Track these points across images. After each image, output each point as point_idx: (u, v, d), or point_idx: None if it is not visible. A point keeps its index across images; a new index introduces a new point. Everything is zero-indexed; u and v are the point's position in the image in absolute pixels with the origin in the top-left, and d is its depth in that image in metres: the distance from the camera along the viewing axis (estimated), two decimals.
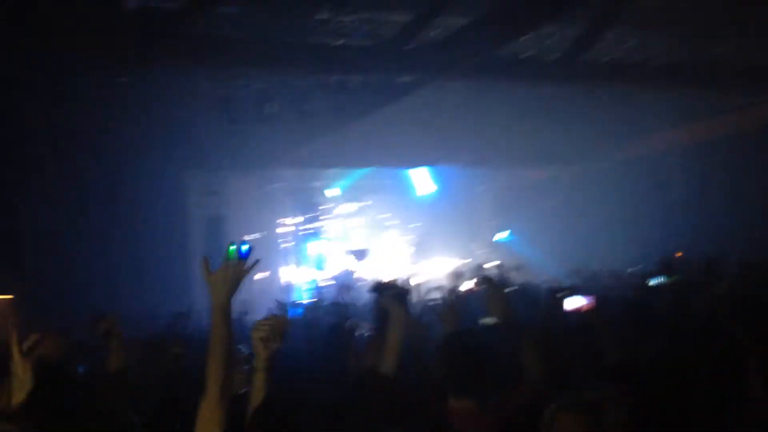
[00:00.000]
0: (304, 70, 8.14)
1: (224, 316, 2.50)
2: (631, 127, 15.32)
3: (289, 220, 17.01)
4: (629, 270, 10.25)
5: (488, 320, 3.52)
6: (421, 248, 17.31)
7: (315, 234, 16.56)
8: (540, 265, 15.58)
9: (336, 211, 18.29)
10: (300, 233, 16.77)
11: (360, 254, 16.36)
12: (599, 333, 3.42)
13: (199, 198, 13.30)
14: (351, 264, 16.70)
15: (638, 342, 3.42)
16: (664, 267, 5.81)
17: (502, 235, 18.54)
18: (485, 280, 3.39)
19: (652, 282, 5.75)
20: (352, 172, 17.74)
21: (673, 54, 10.93)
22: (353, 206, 18.79)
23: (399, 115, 12.24)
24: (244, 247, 2.66)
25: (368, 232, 19.35)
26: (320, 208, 17.05)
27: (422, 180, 18.53)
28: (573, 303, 3.45)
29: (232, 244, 2.69)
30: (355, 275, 16.38)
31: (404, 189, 18.91)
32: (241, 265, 2.58)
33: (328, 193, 17.85)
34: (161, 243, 12.44)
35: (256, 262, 2.67)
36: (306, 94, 9.80)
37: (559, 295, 4.29)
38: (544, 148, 15.32)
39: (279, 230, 17.17)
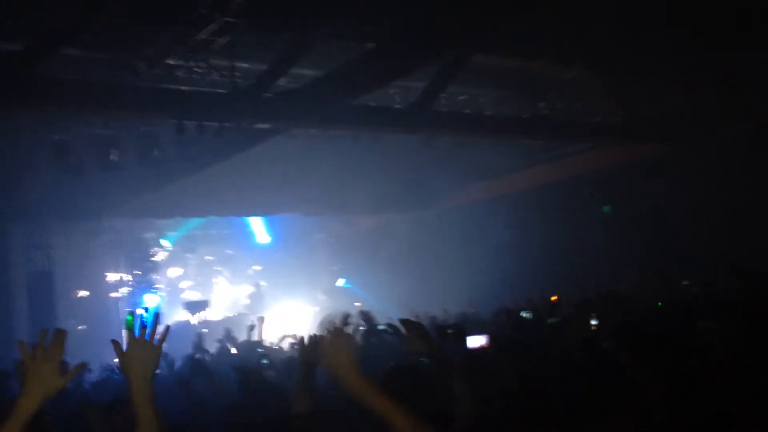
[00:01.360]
0: (154, 114, 7.89)
1: (149, 400, 2.21)
2: (460, 176, 16.36)
3: (120, 274, 16.10)
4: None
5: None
6: (260, 296, 17.07)
7: (149, 286, 15.79)
8: (377, 310, 15.90)
9: (170, 263, 17.59)
10: (134, 286, 15.90)
11: (197, 306, 15.80)
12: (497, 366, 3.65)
13: (24, 252, 12.25)
14: (187, 316, 16.07)
15: (533, 372, 3.69)
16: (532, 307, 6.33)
17: (341, 282, 18.77)
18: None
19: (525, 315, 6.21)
20: (186, 222, 17.24)
21: (500, 107, 11.96)
22: (192, 256, 18.19)
23: (241, 165, 12.21)
24: (145, 315, 2.46)
25: (204, 282, 18.81)
26: (153, 260, 16.30)
27: (259, 229, 18.40)
28: (475, 341, 3.63)
29: (131, 314, 2.48)
30: (195, 327, 15.80)
31: (242, 237, 18.65)
32: (152, 337, 2.24)
33: (163, 243, 17.16)
34: None
35: (167, 328, 2.37)
36: (155, 141, 9.47)
37: (450, 332, 4.55)
38: (379, 196, 15.86)
39: (111, 283, 16.20)
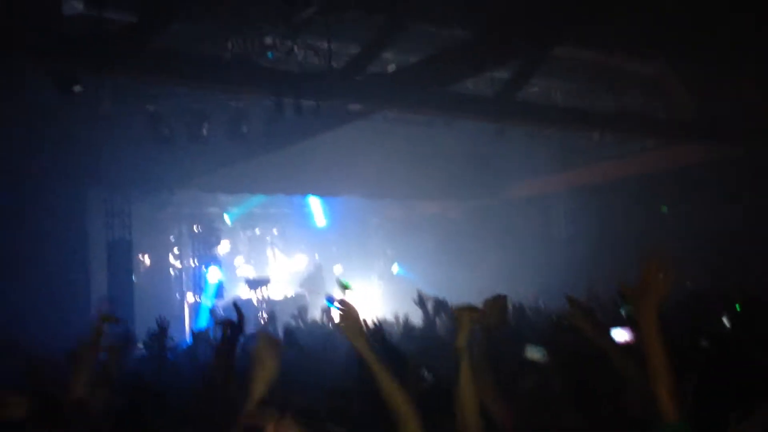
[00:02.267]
0: (256, 90, 8.08)
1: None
2: (526, 168, 16.40)
3: (186, 246, 16.48)
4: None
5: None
6: (317, 277, 17.31)
7: (212, 260, 16.13)
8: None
9: (233, 238, 17.92)
10: (197, 259, 16.27)
11: (258, 283, 16.10)
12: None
13: (103, 219, 12.62)
14: (246, 292, 16.40)
15: None
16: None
17: (395, 269, 18.95)
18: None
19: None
20: (248, 199, 17.55)
21: (573, 100, 11.95)
22: (251, 233, 18.51)
23: (311, 146, 12.43)
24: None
25: (259, 259, 19.12)
26: (215, 234, 16.64)
27: (317, 211, 18.64)
28: (620, 335, 3.60)
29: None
30: (252, 302, 16.14)
31: (300, 218, 18.91)
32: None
33: (225, 218, 17.50)
34: (61, 266, 11.72)
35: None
36: (244, 117, 9.69)
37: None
38: (443, 182, 15.95)
39: (171, 255, 16.60)
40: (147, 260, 16.26)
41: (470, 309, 2.78)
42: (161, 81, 7.84)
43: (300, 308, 11.32)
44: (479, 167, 15.42)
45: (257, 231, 18.97)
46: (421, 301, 8.60)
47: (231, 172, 13.34)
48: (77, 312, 11.50)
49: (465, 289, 15.41)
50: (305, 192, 15.77)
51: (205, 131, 9.69)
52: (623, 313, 7.19)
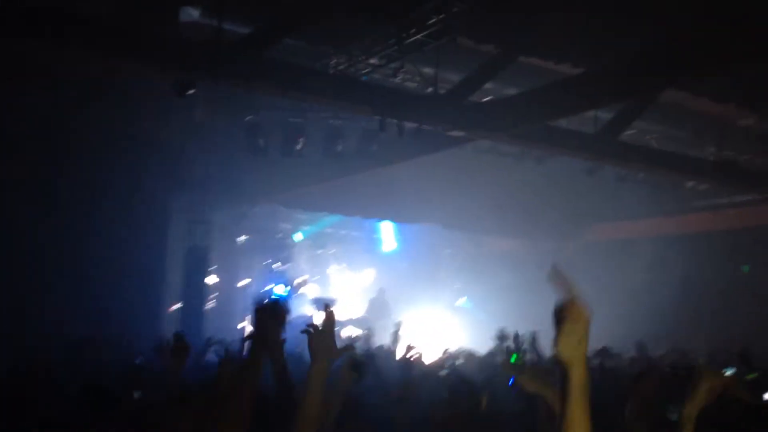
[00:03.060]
0: (361, 107, 8.02)
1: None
2: (602, 212, 16.01)
3: (257, 261, 16.55)
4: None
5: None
6: (381, 302, 17.12)
7: (280, 277, 16.15)
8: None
9: (304, 256, 17.91)
10: (266, 274, 16.31)
11: (323, 303, 15.95)
12: None
13: (185, 225, 12.76)
14: (311, 311, 16.30)
15: None
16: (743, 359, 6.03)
17: (462, 300, 18.64)
18: None
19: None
20: (321, 219, 17.56)
21: (668, 146, 11.58)
22: (319, 253, 18.49)
23: (398, 170, 12.40)
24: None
25: (324, 280, 19.04)
26: (286, 251, 16.67)
27: (388, 236, 18.51)
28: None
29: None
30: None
31: (369, 243, 18.82)
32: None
33: (296, 236, 17.54)
34: (140, 269, 11.84)
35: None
36: (340, 135, 9.68)
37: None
38: (524, 220, 15.66)
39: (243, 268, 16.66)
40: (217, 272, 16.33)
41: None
42: (272, 90, 7.83)
43: (366, 333, 11.14)
44: (561, 208, 15.10)
45: (325, 251, 18.92)
46: (501, 337, 8.51)
47: (312, 191, 13.38)
48: (152, 316, 11.60)
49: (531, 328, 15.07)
50: (383, 216, 15.69)
51: (299, 146, 9.69)
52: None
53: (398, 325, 10.24)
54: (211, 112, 11.44)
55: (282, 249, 16.45)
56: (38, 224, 10.53)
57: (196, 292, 12.24)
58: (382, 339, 11.10)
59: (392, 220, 16.21)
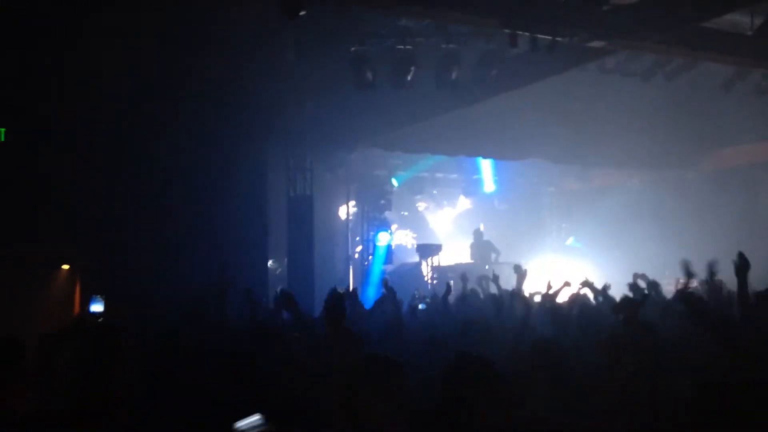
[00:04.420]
0: (488, 20, 7.04)
1: None
2: (732, 135, 14.55)
3: (354, 207, 15.91)
4: None
5: None
6: (485, 246, 16.24)
7: (382, 224, 15.47)
8: (606, 273, 14.57)
9: (403, 202, 17.20)
10: (367, 222, 15.67)
11: (429, 249, 15.26)
12: None
13: (284, 174, 12.17)
14: (416, 258, 15.64)
15: None
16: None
17: (570, 240, 17.59)
18: None
19: None
20: (415, 162, 16.72)
21: None
22: (417, 198, 17.72)
23: (506, 103, 11.43)
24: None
25: (422, 226, 18.31)
26: (386, 198, 15.93)
27: (487, 177, 17.53)
28: None
29: None
30: (420, 269, 15.39)
31: (469, 184, 17.92)
32: None
33: (393, 182, 16.77)
34: (240, 222, 11.36)
35: None
36: (456, 61, 8.72)
37: None
38: (640, 149, 14.39)
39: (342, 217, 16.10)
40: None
41: None
42: (388, 4, 6.93)
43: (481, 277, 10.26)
44: (684, 132, 13.75)
45: (423, 196, 18.12)
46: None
47: (414, 130, 12.54)
48: (255, 267, 11.13)
49: (648, 268, 13.93)
50: (488, 154, 14.64)
51: (410, 76, 8.81)
52: None
53: (520, 269, 9.33)
54: (305, 51, 10.72)
55: (381, 195, 15.71)
56: (144, 179, 10.21)
57: (300, 245, 11.67)
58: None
59: (496, 157, 15.15)
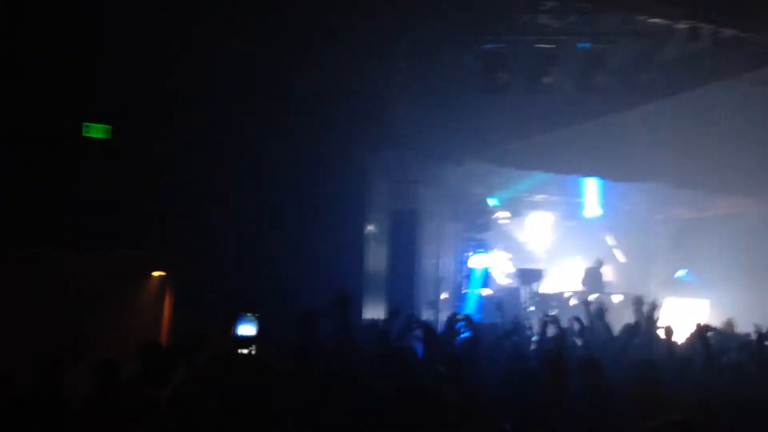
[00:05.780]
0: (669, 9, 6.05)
1: None
2: None
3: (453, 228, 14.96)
4: None
5: None
6: (598, 275, 15.03)
7: (480, 245, 14.48)
8: (726, 310, 13.21)
9: (501, 223, 16.18)
10: (463, 243, 14.72)
11: (531, 275, 14.19)
12: None
13: (388, 186, 11.36)
14: (516, 283, 14.58)
15: None
16: None
17: (681, 273, 16.22)
18: None
19: None
20: (517, 182, 15.69)
21: None
22: (515, 220, 16.66)
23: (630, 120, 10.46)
24: None
25: (519, 249, 17.19)
26: (486, 217, 14.94)
27: (592, 199, 16.37)
28: None
29: None
30: (518, 294, 14.32)
31: (569, 208, 16.79)
32: None
33: (490, 201, 15.75)
34: (336, 231, 10.60)
35: None
36: (599, 62, 7.73)
37: None
38: (756, 178, 13.07)
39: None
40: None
41: None
42: None
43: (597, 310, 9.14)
44: None
45: (521, 219, 17.05)
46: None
47: (526, 146, 11.62)
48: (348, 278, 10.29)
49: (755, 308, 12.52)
50: (602, 174, 13.51)
51: (549, 79, 7.86)
52: None
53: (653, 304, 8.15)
54: (421, 54, 9.94)
55: (479, 215, 14.74)
56: (246, 187, 9.57)
57: (402, 261, 10.80)
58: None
59: (611, 179, 13.96)
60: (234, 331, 5.79)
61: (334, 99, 10.41)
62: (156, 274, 10.30)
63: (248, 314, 6.13)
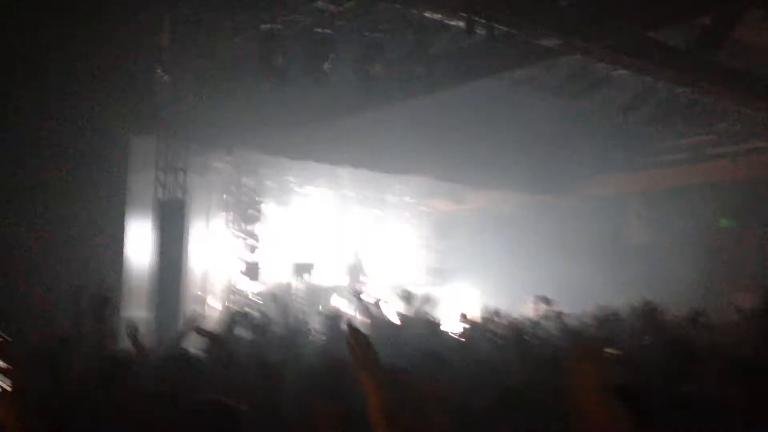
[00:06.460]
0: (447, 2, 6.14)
1: None
2: (608, 163, 14.91)
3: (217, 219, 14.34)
4: None
5: None
6: (359, 267, 15.31)
7: (251, 236, 14.05)
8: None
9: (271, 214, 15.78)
10: (233, 235, 14.18)
11: (302, 268, 14.01)
12: None
13: (152, 172, 10.49)
14: (287, 275, 14.33)
15: None
16: None
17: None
18: None
19: None
20: (287, 172, 15.51)
21: None
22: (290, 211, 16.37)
23: (402, 119, 10.83)
24: None
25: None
26: (258, 207, 14.51)
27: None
28: None
29: None
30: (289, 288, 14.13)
31: (339, 199, 16.94)
32: None
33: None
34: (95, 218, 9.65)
35: None
36: (378, 52, 7.72)
37: None
38: (521, 172, 14.24)
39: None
40: None
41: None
42: None
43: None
44: (568, 157, 13.82)
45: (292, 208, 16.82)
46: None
47: (299, 134, 11.44)
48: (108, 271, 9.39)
49: (514, 293, 13.72)
50: (367, 166, 13.66)
51: (327, 65, 7.69)
52: None
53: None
54: (187, 32, 9.29)
55: (252, 205, 14.31)
56: None
57: (169, 254, 10.05)
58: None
59: (377, 170, 14.18)
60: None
61: (93, 76, 9.42)
62: None
63: None
